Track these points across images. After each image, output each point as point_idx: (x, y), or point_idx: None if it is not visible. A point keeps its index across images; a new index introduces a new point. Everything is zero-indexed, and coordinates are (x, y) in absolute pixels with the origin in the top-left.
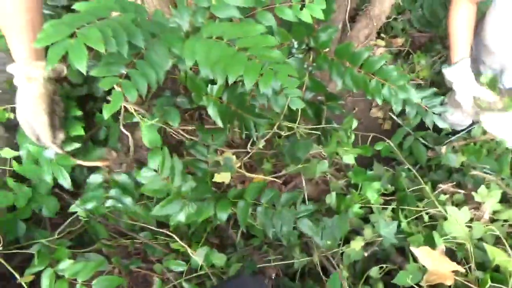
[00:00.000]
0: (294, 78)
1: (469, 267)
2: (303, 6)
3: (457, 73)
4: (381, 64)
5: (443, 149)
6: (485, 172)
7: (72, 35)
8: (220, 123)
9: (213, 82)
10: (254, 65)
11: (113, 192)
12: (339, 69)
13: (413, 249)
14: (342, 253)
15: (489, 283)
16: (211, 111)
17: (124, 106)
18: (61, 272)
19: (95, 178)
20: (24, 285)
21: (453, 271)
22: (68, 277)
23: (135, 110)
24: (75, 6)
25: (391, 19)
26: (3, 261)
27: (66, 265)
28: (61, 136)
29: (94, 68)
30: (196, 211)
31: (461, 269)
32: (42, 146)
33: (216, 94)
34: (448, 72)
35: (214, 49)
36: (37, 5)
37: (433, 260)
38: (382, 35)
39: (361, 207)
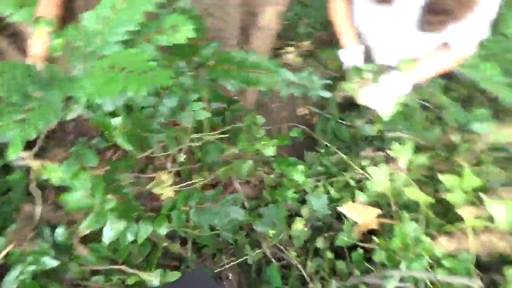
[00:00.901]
0: (170, 79)
1: (391, 210)
2: (175, 30)
3: (347, 56)
4: (252, 59)
5: (358, 122)
6: (402, 132)
7: None
8: (131, 148)
9: (113, 114)
10: (134, 77)
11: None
12: (225, 75)
13: (339, 209)
14: (291, 238)
15: (406, 214)
16: (121, 141)
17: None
18: None
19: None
20: None
21: (377, 216)
22: None
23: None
24: None
25: (293, 25)
26: None
27: None
28: None
29: None
30: (129, 230)
31: (379, 211)
32: None
33: (121, 123)
34: (341, 54)
35: (98, 78)
36: None
37: (357, 212)
38: (290, 42)
39: (295, 192)
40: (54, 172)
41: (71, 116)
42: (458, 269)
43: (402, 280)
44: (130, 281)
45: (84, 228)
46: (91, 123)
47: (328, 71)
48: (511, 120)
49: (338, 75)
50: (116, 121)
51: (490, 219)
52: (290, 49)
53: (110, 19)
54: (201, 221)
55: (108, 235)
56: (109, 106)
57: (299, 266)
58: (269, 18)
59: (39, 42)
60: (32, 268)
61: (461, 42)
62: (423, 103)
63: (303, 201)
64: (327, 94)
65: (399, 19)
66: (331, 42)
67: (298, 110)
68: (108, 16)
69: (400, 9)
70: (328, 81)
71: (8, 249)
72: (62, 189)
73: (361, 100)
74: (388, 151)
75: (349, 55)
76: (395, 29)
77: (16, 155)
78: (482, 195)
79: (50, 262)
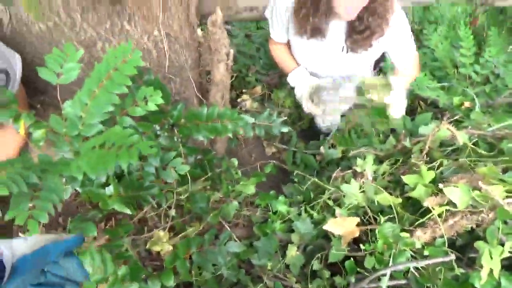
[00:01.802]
0: (154, 148)
1: (369, 217)
2: (146, 101)
3: (294, 77)
4: (217, 112)
5: (322, 149)
6: (363, 149)
7: None
8: (128, 211)
9: (106, 184)
10: (123, 152)
11: None
12: (194, 129)
13: (325, 227)
14: (288, 266)
15: (382, 218)
16: (117, 206)
17: None
18: None
19: None
20: None
21: (358, 225)
22: None
23: None
24: None
25: (244, 76)
26: None
27: None
28: None
29: (9, 213)
30: None
31: (358, 219)
32: None
33: (114, 192)
34: (289, 80)
35: (92, 157)
36: None
37: (339, 225)
38: (244, 90)
39: (282, 222)
40: None
41: (66, 196)
42: (437, 254)
43: (394, 277)
44: None
45: None
46: (82, 197)
47: (284, 109)
48: (449, 119)
49: (293, 111)
50: (110, 189)
51: (451, 204)
52: (245, 96)
53: (89, 104)
54: (205, 263)
55: None
56: (103, 178)
57: None
58: (221, 73)
59: (21, 137)
60: None
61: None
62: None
63: (291, 230)
64: (286, 129)
65: (330, 46)
66: (280, 83)
67: (266, 150)
68: (87, 102)
69: (330, 38)
70: (285, 118)
71: None
72: None
73: (394, 111)
74: (354, 167)
75: (296, 75)
76: (328, 55)
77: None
78: (440, 185)
79: None
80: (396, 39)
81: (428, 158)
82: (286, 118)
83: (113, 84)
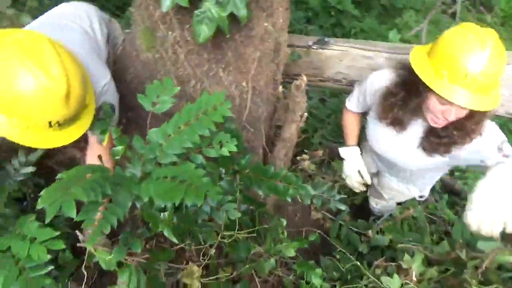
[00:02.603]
0: (220, 195)
1: None
2: (221, 145)
3: (347, 152)
4: (283, 174)
5: (370, 232)
6: (412, 244)
7: (64, 194)
8: (175, 240)
9: (164, 210)
10: (191, 190)
11: None
12: (257, 183)
13: None
14: None
15: None
16: (167, 233)
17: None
18: None
19: None
20: None
21: None
22: None
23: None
24: (59, 175)
25: (309, 137)
26: None
27: None
28: None
29: (79, 215)
30: None
31: None
32: None
33: (168, 218)
34: (341, 151)
35: (162, 186)
36: None
37: None
38: (305, 150)
39: None
40: (104, 256)
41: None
42: None
43: None
44: None
45: None
46: (140, 214)
47: (340, 180)
48: None
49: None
50: (165, 215)
51: None
52: (305, 156)
53: (172, 136)
54: None
55: None
56: (163, 204)
57: None
58: (291, 132)
59: (103, 148)
60: None
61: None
62: (431, 217)
63: None
64: (343, 207)
65: (406, 140)
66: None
67: (312, 213)
68: (170, 134)
69: (408, 132)
70: (345, 196)
71: None
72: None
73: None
74: (400, 262)
75: (348, 152)
76: (402, 147)
77: (95, 241)
78: None
79: None
80: (481, 154)
81: (483, 278)
82: (345, 196)
83: (199, 125)
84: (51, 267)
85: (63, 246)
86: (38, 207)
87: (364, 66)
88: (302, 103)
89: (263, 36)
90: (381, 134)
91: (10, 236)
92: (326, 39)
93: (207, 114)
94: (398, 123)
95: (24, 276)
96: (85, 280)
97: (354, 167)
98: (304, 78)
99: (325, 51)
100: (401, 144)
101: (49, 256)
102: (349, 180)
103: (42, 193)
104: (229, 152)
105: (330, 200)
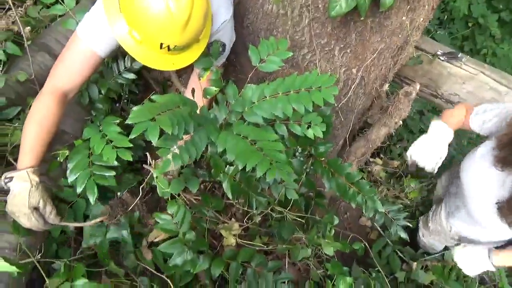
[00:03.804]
0: (291, 175)
1: None
2: (309, 126)
3: (439, 126)
4: (358, 178)
5: (414, 265)
6: None
7: (152, 119)
8: (230, 196)
9: (230, 164)
10: (266, 161)
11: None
12: (328, 175)
13: None
14: None
15: None
16: (225, 186)
17: None
18: None
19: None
20: None
21: None
22: None
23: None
24: (154, 97)
25: (391, 144)
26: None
27: (81, 283)
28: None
29: (158, 141)
30: (192, 261)
31: None
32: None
33: (231, 173)
34: (434, 123)
35: (240, 143)
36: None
37: None
38: (382, 155)
39: None
40: (163, 185)
41: None
42: None
43: None
44: None
45: (161, 248)
46: (208, 159)
47: (404, 199)
48: None
49: (412, 205)
50: (230, 169)
51: None
52: (378, 161)
53: (267, 99)
54: (253, 283)
55: (175, 262)
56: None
57: None
58: (379, 135)
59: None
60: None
61: None
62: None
63: None
64: (404, 234)
65: (507, 186)
66: (416, 173)
67: (362, 219)
68: (266, 96)
69: (507, 177)
70: (409, 225)
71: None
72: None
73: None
74: None
75: (441, 127)
76: (498, 192)
77: (164, 171)
78: None
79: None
80: None
81: None
82: (410, 225)
83: (297, 99)
84: (113, 173)
85: (131, 158)
86: (128, 121)
87: (487, 98)
88: (404, 112)
89: (395, 29)
90: (483, 173)
91: (95, 129)
92: (459, 55)
93: (310, 92)
94: (508, 163)
95: (89, 169)
96: (140, 196)
97: (439, 143)
98: (417, 86)
99: (451, 66)
100: (492, 182)
101: (116, 163)
102: (424, 153)
103: (134, 109)
104: (314, 136)
105: (393, 223)
